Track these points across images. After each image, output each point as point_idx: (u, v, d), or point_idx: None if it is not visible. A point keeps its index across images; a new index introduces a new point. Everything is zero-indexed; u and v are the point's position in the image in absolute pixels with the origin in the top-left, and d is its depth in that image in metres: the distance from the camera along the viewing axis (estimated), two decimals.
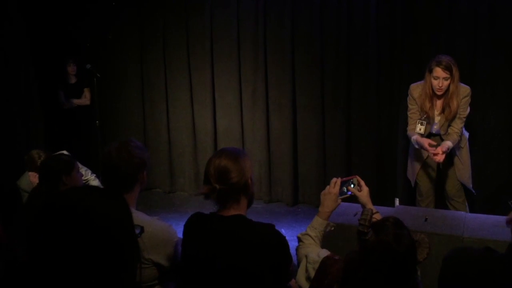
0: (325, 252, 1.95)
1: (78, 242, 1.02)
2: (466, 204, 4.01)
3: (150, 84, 5.94)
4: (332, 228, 2.18)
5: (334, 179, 2.20)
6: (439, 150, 3.68)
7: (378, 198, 4.82)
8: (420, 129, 3.84)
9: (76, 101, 5.74)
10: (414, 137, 3.86)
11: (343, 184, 2.20)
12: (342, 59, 5.07)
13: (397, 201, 4.23)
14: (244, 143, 5.60)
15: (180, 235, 2.08)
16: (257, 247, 1.83)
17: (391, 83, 4.93)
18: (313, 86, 5.23)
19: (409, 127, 3.96)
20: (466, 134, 4.02)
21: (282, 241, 1.90)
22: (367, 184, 2.26)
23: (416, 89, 3.90)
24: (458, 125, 3.84)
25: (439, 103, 3.85)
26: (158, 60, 5.84)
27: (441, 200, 4.13)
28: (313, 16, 5.12)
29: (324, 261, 1.78)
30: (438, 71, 3.68)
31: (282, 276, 1.91)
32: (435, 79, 3.71)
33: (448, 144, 3.75)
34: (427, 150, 3.76)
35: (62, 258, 1.02)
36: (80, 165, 3.41)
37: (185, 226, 2.02)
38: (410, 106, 3.95)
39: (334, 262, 1.82)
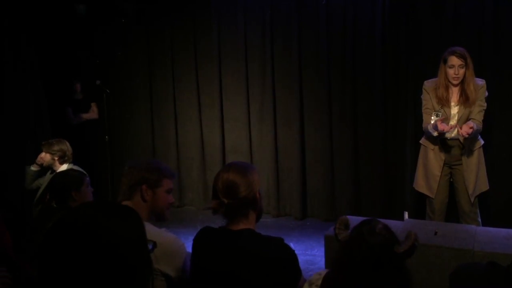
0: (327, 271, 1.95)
1: (89, 260, 1.01)
2: (479, 219, 3.91)
3: (159, 99, 6.00)
4: None
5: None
6: (464, 126, 3.54)
7: (387, 211, 4.80)
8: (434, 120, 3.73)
9: (85, 116, 5.79)
10: (429, 125, 3.72)
11: None
12: (349, 72, 5.09)
13: (406, 215, 4.21)
14: (252, 158, 5.61)
15: (189, 249, 2.09)
16: (266, 261, 1.83)
17: (397, 97, 4.94)
18: (320, 101, 5.25)
19: (425, 122, 3.86)
20: (481, 141, 3.91)
21: (291, 255, 1.90)
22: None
23: (430, 83, 3.87)
24: (479, 117, 3.74)
25: (455, 92, 3.78)
26: (167, 75, 5.90)
27: (453, 214, 4.07)
28: (319, 31, 5.16)
29: (327, 276, 1.77)
30: (453, 59, 3.68)
31: None
32: (450, 68, 3.69)
33: (471, 123, 3.59)
34: (440, 128, 3.57)
35: (73, 276, 1.01)
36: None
37: (194, 241, 2.02)
38: (424, 102, 3.89)
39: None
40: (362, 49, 5.03)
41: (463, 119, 3.76)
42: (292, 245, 4.57)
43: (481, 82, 3.80)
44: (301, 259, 4.26)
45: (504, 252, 2.96)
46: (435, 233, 3.35)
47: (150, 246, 1.29)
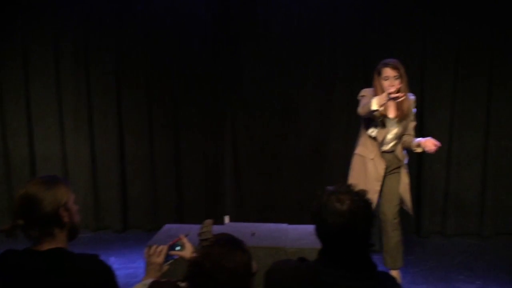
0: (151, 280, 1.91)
1: None
2: (400, 227, 3.85)
3: None
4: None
5: (160, 247, 2.09)
6: (428, 141, 3.63)
7: (208, 216, 4.90)
8: (372, 132, 3.73)
9: None
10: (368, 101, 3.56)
11: (170, 248, 2.12)
12: (167, 78, 5.11)
13: (227, 219, 4.36)
14: (67, 170, 5.23)
15: None
16: (78, 281, 1.69)
17: (216, 104, 5.10)
18: (140, 108, 5.17)
19: (362, 102, 3.66)
20: (407, 156, 3.91)
21: (106, 271, 1.78)
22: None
23: (370, 91, 3.73)
24: (414, 132, 3.78)
25: (391, 107, 3.71)
26: None
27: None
28: (136, 34, 5.08)
29: (152, 286, 1.74)
30: (387, 71, 3.64)
31: None
32: (385, 79, 3.64)
33: (431, 139, 3.66)
34: (388, 94, 3.48)
35: None
36: None
37: None
38: (363, 100, 3.68)
39: (162, 285, 1.79)
40: (185, 53, 5.07)
41: (399, 134, 3.77)
42: (113, 259, 4.37)
43: (412, 97, 3.82)
44: (123, 272, 4.11)
45: (311, 247, 3.25)
46: (252, 234, 3.54)
47: None
